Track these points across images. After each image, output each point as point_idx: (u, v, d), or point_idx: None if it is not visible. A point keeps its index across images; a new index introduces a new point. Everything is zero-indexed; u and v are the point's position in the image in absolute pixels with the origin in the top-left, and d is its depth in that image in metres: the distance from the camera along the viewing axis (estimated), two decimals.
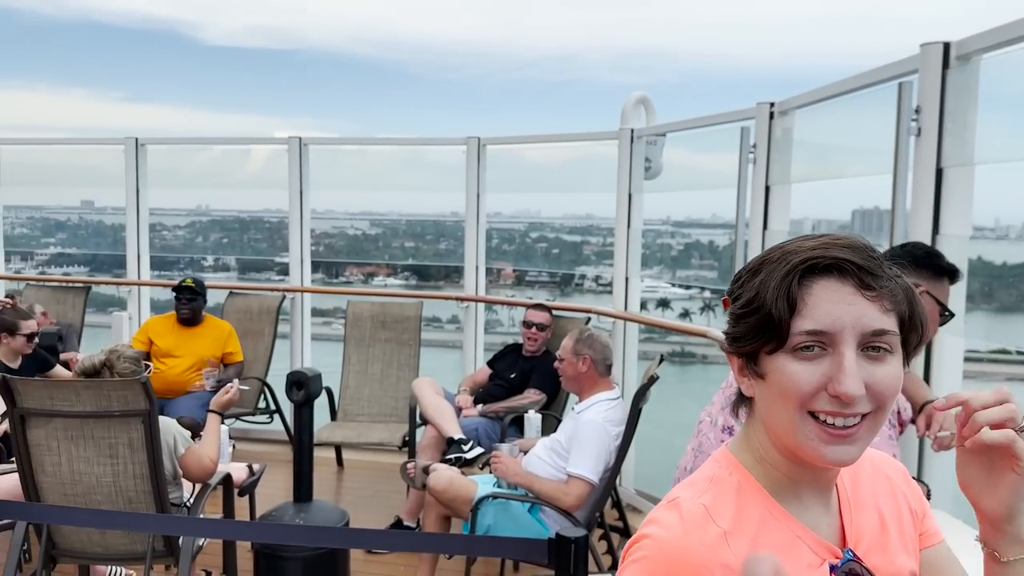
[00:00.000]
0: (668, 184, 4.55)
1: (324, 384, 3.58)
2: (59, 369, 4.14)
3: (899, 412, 2.09)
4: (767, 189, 3.46)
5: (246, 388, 3.70)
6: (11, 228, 6.42)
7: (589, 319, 4.53)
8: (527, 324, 4.30)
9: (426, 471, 3.27)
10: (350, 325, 5.17)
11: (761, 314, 0.81)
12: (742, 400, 0.90)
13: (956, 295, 2.13)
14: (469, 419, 4.06)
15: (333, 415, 4.91)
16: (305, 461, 3.13)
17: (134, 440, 2.71)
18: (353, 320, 5.17)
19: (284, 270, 5.83)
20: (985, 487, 0.83)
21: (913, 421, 2.12)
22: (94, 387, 2.70)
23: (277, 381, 4.93)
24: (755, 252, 3.38)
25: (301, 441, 3.16)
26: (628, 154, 4.45)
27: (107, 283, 6.14)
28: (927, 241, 2.42)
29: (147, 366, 3.08)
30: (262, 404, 5.04)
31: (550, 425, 3.91)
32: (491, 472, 3.20)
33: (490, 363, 4.48)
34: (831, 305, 0.79)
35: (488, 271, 5.38)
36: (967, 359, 2.59)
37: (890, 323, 0.81)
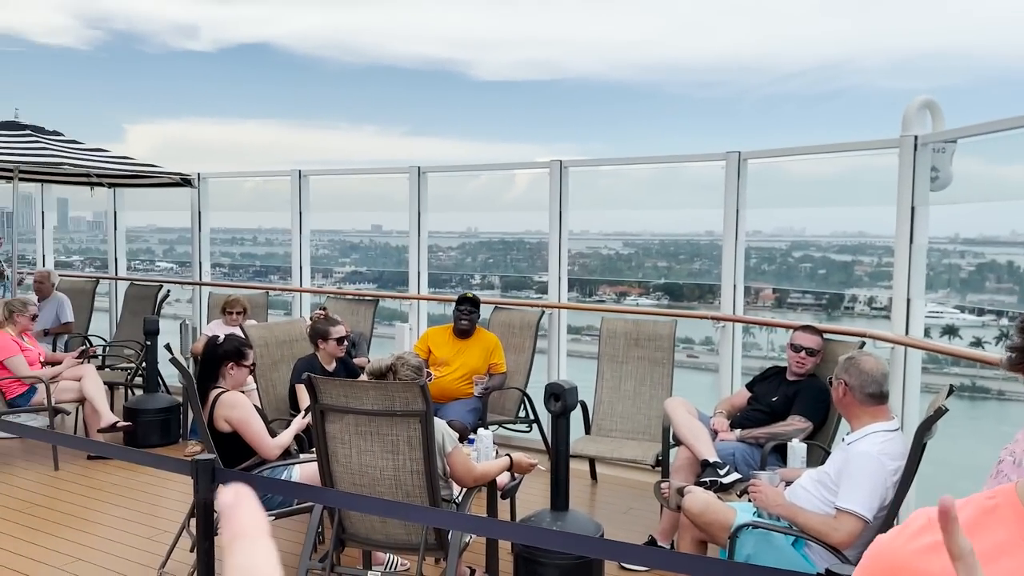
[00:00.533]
0: (958, 196, 4.07)
1: (579, 398, 3.67)
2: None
3: None
4: None
5: None
6: (316, 249, 7.35)
7: (863, 344, 4.17)
8: (795, 347, 4.06)
9: (680, 492, 3.21)
10: (604, 342, 5.24)
11: None
12: None
13: None
14: (725, 443, 3.92)
15: (587, 429, 5.00)
16: (562, 470, 3.22)
17: (412, 438, 2.97)
18: (607, 337, 5.24)
19: (542, 288, 6.08)
20: None
21: None
22: (381, 388, 3.01)
23: (535, 392, 5.14)
24: None
25: (558, 451, 3.26)
26: (911, 163, 4.05)
27: (392, 297, 6.82)
28: None
29: (428, 373, 3.38)
30: (521, 413, 5.28)
31: (816, 456, 3.65)
32: (749, 500, 3.07)
33: (749, 386, 4.30)
34: None
35: (746, 291, 5.18)
36: None
37: None
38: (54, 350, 6.43)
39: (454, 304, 5.26)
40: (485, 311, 5.58)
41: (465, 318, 5.09)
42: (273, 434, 3.77)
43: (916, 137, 4.04)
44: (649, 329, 5.17)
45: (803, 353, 4.02)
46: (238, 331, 4.93)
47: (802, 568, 2.76)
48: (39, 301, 6.51)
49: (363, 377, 3.45)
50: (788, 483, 3.10)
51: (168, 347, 4.62)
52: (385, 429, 3.01)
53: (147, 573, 3.62)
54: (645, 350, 5.12)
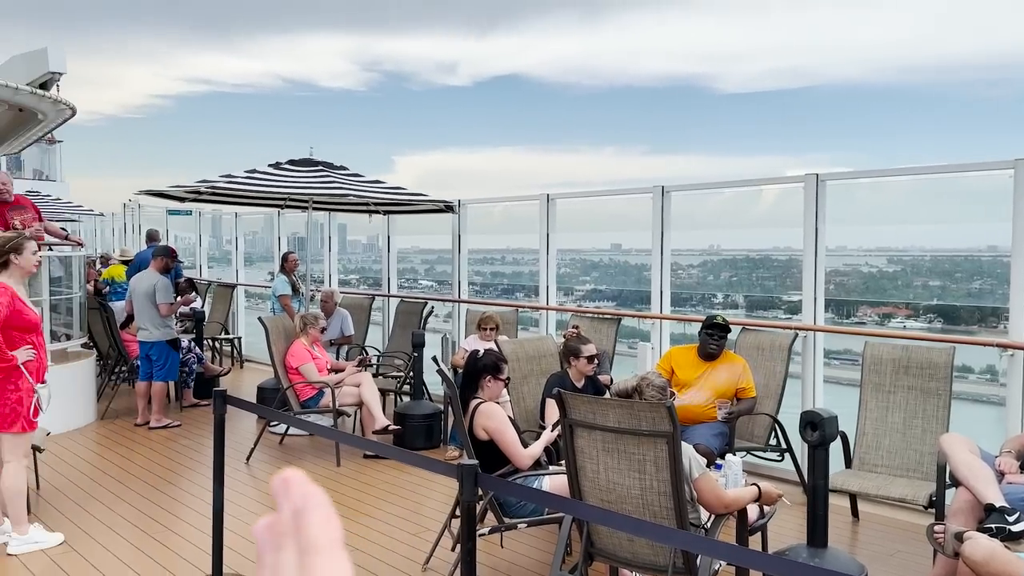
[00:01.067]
0: None
1: (838, 428, 3.45)
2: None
3: None
4: None
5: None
6: (559, 268, 7.62)
7: None
8: None
9: (959, 538, 2.90)
10: (868, 369, 4.85)
11: None
12: None
13: None
14: (1014, 486, 3.46)
15: (848, 462, 4.66)
16: (820, 505, 3.05)
17: (659, 459, 2.99)
18: (871, 363, 4.84)
19: (792, 308, 5.79)
20: None
21: None
22: (626, 407, 3.06)
23: (787, 420, 4.90)
24: None
25: (815, 484, 3.09)
26: None
27: (633, 316, 6.87)
28: None
29: (672, 394, 3.38)
30: (772, 441, 5.05)
31: None
32: None
33: None
34: None
35: None
36: None
37: None
38: (337, 359, 7.27)
39: (700, 325, 5.18)
40: (731, 332, 5.43)
41: (714, 344, 4.97)
42: (525, 445, 3.97)
43: None
44: (921, 356, 4.71)
45: None
46: (494, 346, 5.26)
47: None
48: (326, 316, 7.41)
49: (608, 395, 3.53)
50: None
51: (435, 359, 5.05)
52: (632, 448, 3.05)
53: (412, 567, 3.96)
54: (917, 379, 4.66)
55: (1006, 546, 2.90)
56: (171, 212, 12.48)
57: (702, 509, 3.18)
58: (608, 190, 8.78)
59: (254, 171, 7.00)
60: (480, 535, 3.57)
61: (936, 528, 3.24)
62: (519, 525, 3.72)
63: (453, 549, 3.83)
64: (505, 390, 4.30)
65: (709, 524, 3.17)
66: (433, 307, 8.08)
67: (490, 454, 3.87)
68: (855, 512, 4.67)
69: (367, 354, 7.52)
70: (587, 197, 7.97)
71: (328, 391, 5.99)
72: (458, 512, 3.17)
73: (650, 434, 2.99)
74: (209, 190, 7.08)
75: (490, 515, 3.71)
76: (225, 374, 8.42)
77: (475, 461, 2.46)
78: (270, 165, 7.16)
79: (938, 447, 3.79)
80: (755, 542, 3.59)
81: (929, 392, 4.61)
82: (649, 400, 3.20)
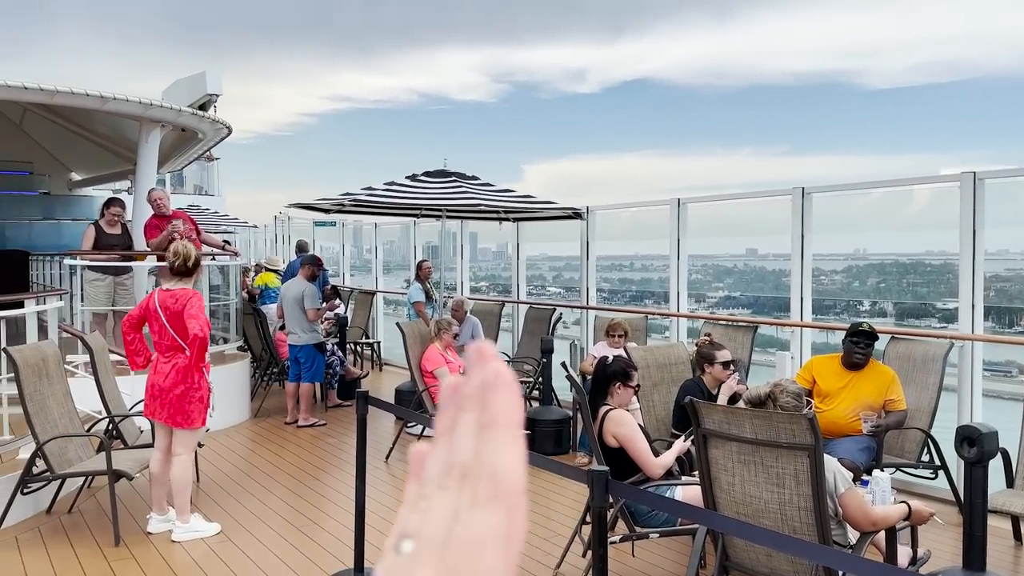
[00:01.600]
0: None
1: (999, 444, 3.20)
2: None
3: None
4: None
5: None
6: (690, 274, 7.48)
7: None
8: None
9: None
10: None
11: None
12: None
13: None
14: None
15: (1009, 482, 4.30)
16: (978, 526, 2.84)
17: (799, 472, 2.87)
18: None
19: (947, 316, 5.42)
20: None
21: None
22: (763, 417, 2.97)
23: (941, 435, 4.59)
24: None
25: (972, 503, 2.88)
26: None
27: (771, 323, 6.63)
28: None
29: (808, 402, 3.24)
30: (924, 457, 4.74)
31: None
32: None
33: None
34: None
35: None
36: None
37: None
38: None
39: (844, 333, 4.93)
40: (879, 341, 5.14)
41: (860, 352, 4.71)
42: (656, 453, 3.93)
43: None
44: None
45: None
46: (623, 353, 5.23)
47: None
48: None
49: (741, 404, 3.43)
50: None
51: (564, 365, 5.08)
52: (770, 460, 2.95)
53: (542, 571, 3.99)
54: None
55: None
56: (317, 224, 13.22)
57: (848, 528, 3.04)
58: (743, 193, 8.54)
59: (392, 183, 7.32)
60: (611, 543, 3.56)
61: None
62: (651, 535, 3.67)
63: (584, 555, 3.84)
64: (635, 397, 4.27)
65: (855, 543, 3.01)
66: (562, 314, 8.13)
67: (620, 461, 3.85)
68: (1017, 535, 4.30)
69: None
70: (720, 201, 7.78)
71: None
72: (588, 518, 3.18)
73: (790, 446, 2.88)
74: (352, 203, 7.46)
75: (621, 523, 3.69)
76: (364, 377, 8.82)
77: (606, 467, 2.46)
78: (407, 177, 7.45)
79: None
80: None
81: None
82: (784, 407, 3.08)
